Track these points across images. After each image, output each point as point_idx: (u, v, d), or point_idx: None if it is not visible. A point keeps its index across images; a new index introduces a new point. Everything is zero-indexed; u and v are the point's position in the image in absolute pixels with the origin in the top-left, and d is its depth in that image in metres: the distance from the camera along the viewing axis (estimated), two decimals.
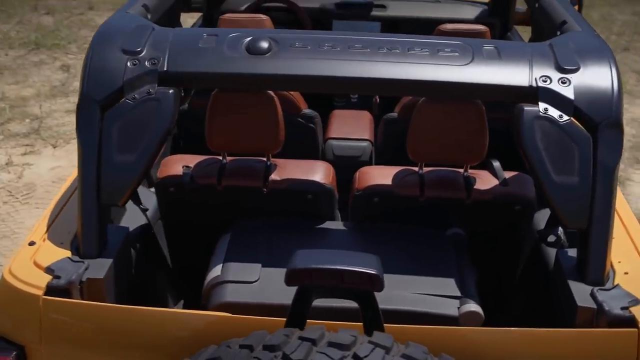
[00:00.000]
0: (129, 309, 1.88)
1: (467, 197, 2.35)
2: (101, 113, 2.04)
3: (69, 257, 2.00)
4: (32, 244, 2.06)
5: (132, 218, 2.47)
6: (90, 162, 2.02)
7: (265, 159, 2.43)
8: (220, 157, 2.44)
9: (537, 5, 2.86)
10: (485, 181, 2.39)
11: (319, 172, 2.45)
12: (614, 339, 1.78)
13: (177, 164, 2.43)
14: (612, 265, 2.03)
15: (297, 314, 1.73)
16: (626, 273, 1.99)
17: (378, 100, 3.61)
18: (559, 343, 1.82)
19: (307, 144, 3.09)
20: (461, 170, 2.40)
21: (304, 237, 2.31)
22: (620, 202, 2.35)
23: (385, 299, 1.80)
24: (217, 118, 2.36)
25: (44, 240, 2.09)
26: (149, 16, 2.44)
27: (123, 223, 2.43)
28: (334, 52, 2.12)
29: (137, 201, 2.46)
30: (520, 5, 4.03)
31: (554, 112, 1.99)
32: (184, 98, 2.81)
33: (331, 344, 1.56)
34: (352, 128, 3.31)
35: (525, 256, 2.46)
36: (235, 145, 2.42)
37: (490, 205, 2.36)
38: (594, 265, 1.94)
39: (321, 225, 2.40)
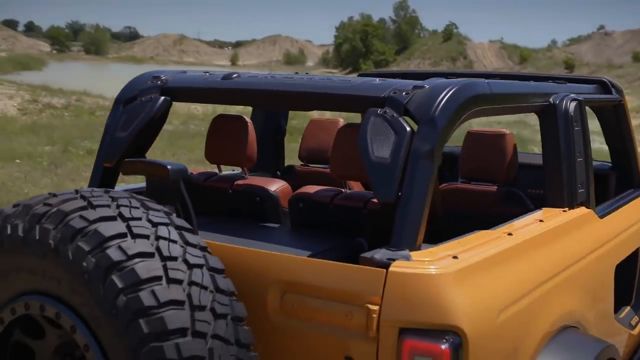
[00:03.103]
0: None
1: (363, 207, 2.90)
2: (123, 109, 3.03)
3: None
4: None
5: None
6: (106, 137, 3.00)
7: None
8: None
9: None
10: None
11: (272, 184, 3.30)
12: (368, 275, 2.19)
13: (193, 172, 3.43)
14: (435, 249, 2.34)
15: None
16: (430, 251, 2.31)
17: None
18: (323, 270, 2.28)
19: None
20: None
21: (235, 230, 3.01)
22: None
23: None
24: (210, 137, 3.34)
25: None
26: None
27: None
28: (270, 79, 2.92)
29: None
30: None
31: (390, 112, 2.46)
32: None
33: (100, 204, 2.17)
34: None
35: None
36: (221, 158, 3.38)
37: (380, 215, 2.74)
38: (395, 232, 2.31)
39: (260, 223, 3.19)
